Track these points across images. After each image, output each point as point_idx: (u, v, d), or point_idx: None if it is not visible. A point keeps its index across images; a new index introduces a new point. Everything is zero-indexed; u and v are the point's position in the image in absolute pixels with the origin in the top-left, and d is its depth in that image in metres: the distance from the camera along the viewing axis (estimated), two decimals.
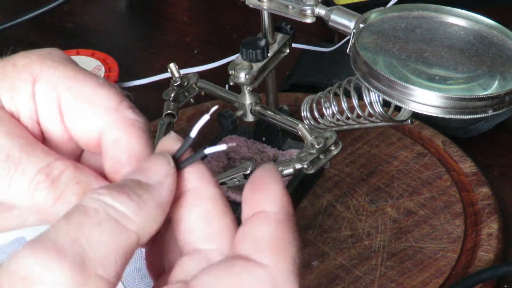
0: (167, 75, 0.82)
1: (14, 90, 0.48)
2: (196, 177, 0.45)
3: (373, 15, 0.70)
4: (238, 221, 0.78)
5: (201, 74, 0.84)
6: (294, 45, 0.82)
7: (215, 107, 0.48)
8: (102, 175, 0.47)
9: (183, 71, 0.84)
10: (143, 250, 0.73)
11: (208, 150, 0.44)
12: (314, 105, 0.78)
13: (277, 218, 0.42)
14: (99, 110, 0.47)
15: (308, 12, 0.72)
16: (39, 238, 0.41)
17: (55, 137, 0.49)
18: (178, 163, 0.45)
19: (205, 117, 0.45)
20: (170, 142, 0.46)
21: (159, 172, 0.44)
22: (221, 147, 0.45)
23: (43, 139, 0.49)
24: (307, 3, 0.72)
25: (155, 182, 0.43)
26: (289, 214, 0.42)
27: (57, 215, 0.43)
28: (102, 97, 0.47)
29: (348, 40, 0.69)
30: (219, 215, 0.44)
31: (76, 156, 0.51)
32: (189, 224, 0.44)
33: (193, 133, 0.45)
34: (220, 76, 0.99)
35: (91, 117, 0.47)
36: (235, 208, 0.84)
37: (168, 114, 0.80)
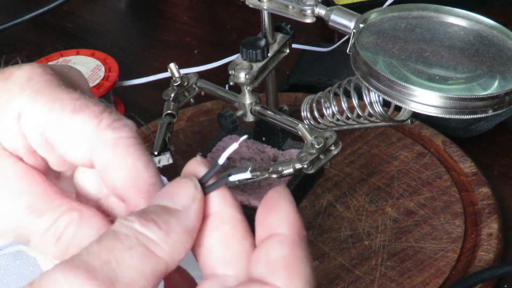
0: (166, 74, 0.82)
1: (5, 130, 0.49)
2: (219, 201, 0.45)
3: (373, 15, 0.70)
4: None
5: (201, 74, 0.84)
6: (294, 45, 0.82)
7: (245, 137, 0.48)
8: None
9: (183, 71, 0.84)
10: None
11: (233, 178, 0.45)
12: (314, 105, 0.78)
13: (290, 240, 0.42)
14: (80, 139, 0.47)
15: (308, 12, 0.72)
16: (71, 259, 0.41)
17: (54, 162, 0.50)
18: (204, 188, 0.45)
19: (234, 146, 0.46)
20: (196, 166, 0.47)
21: (186, 196, 0.44)
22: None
23: (45, 164, 0.50)
24: (307, 3, 0.72)
25: (182, 208, 0.44)
26: (302, 235, 0.42)
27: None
28: (80, 125, 0.47)
29: (348, 40, 0.69)
30: (239, 239, 0.44)
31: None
32: (209, 248, 0.44)
33: (221, 160, 0.46)
34: (220, 76, 0.99)
35: (75, 146, 0.47)
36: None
37: (168, 114, 0.80)
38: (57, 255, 0.47)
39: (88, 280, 0.40)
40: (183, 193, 0.44)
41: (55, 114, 0.47)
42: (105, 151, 0.46)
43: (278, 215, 0.43)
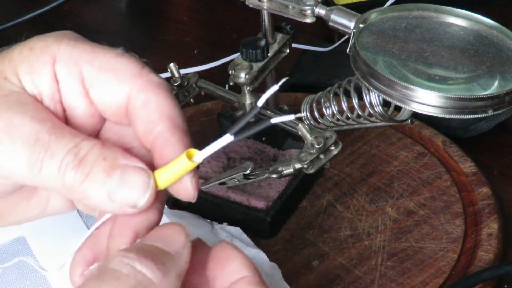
0: (167, 75, 0.82)
1: (34, 72, 0.49)
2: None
3: (373, 15, 0.70)
4: (236, 220, 0.78)
5: (201, 74, 0.84)
6: (294, 45, 0.82)
7: (285, 79, 0.49)
8: (123, 148, 0.48)
9: (183, 71, 0.84)
10: None
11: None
12: (314, 105, 0.78)
13: (255, 281, 0.45)
14: (123, 77, 0.48)
15: (308, 12, 0.72)
16: None
17: (78, 114, 0.50)
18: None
19: (275, 87, 0.46)
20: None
21: (179, 243, 0.46)
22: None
23: (65, 118, 0.50)
24: (307, 3, 0.72)
25: (175, 252, 0.45)
26: (260, 276, 0.46)
27: (87, 192, 0.45)
28: (124, 65, 0.48)
29: (348, 40, 0.69)
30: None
31: (97, 131, 0.52)
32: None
33: (260, 102, 0.46)
34: (220, 76, 0.99)
35: (116, 85, 0.48)
36: (235, 208, 0.84)
37: None
38: (75, 184, 0.46)
39: None
40: (175, 238, 0.46)
41: (98, 55, 0.49)
42: (148, 90, 0.47)
43: (237, 262, 0.46)
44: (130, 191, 0.46)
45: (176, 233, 0.46)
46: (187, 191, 0.49)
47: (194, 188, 0.49)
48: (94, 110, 0.50)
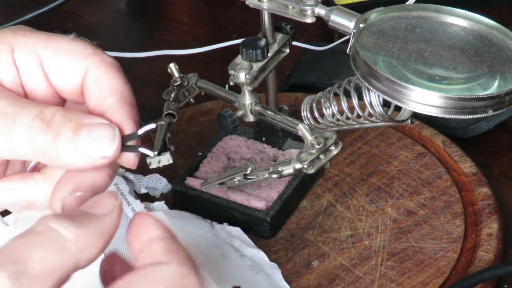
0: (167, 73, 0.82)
1: None
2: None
3: (373, 15, 0.70)
4: (236, 220, 0.78)
5: (201, 75, 0.84)
6: (293, 42, 0.81)
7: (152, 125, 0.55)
8: None
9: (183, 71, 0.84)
10: None
11: (141, 131, 0.53)
12: (314, 105, 0.78)
13: (165, 236, 0.49)
14: (78, 58, 0.53)
15: (308, 12, 0.72)
16: None
17: (39, 96, 0.54)
18: (123, 146, 0.52)
19: (150, 126, 0.54)
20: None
21: (105, 205, 0.49)
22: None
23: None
24: (307, 3, 0.72)
25: (100, 214, 0.48)
26: (171, 233, 0.49)
27: (58, 152, 0.50)
28: (78, 47, 0.54)
29: (348, 39, 0.69)
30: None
31: None
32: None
33: (140, 132, 0.53)
34: (220, 76, 0.99)
35: (72, 65, 0.53)
36: (235, 208, 0.85)
37: (168, 114, 0.80)
38: (47, 146, 0.50)
39: None
40: (104, 202, 0.49)
41: (53, 40, 0.53)
42: (101, 68, 0.53)
43: (147, 224, 0.49)
44: (99, 144, 0.51)
45: (105, 198, 0.49)
46: (129, 157, 0.53)
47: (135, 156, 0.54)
48: (53, 92, 0.55)
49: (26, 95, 0.54)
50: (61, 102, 0.56)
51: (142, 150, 0.53)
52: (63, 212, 0.51)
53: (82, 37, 0.55)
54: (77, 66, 0.53)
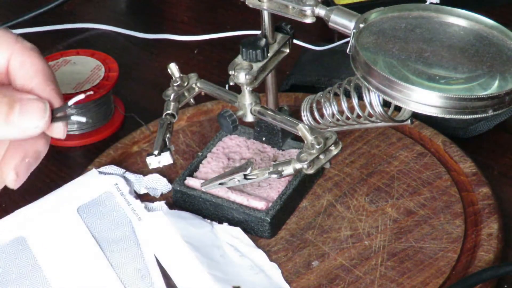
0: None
1: None
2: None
3: (373, 15, 0.70)
4: (236, 220, 0.78)
5: (200, 75, 0.84)
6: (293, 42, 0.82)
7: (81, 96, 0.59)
8: None
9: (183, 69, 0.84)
10: (143, 250, 0.75)
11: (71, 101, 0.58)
12: (314, 105, 0.79)
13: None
14: (2, 45, 0.59)
15: (308, 12, 0.72)
16: None
17: None
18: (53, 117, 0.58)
19: (79, 96, 0.58)
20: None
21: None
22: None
23: None
24: (307, 3, 0.72)
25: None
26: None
27: None
28: (2, 35, 0.59)
29: (347, 39, 0.69)
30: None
31: None
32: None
33: (70, 102, 0.58)
34: (220, 76, 0.99)
35: None
36: (235, 208, 0.84)
37: (168, 114, 0.80)
38: None
39: None
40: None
41: None
42: (25, 53, 0.59)
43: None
44: (32, 117, 0.57)
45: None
46: (58, 127, 0.59)
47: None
48: None
49: None
50: None
51: (75, 117, 0.59)
52: (16, 182, 0.58)
53: (5, 27, 0.60)
54: (2, 52, 0.59)
